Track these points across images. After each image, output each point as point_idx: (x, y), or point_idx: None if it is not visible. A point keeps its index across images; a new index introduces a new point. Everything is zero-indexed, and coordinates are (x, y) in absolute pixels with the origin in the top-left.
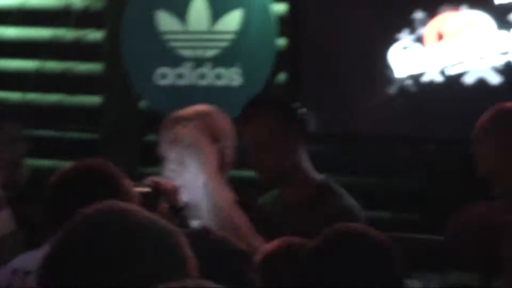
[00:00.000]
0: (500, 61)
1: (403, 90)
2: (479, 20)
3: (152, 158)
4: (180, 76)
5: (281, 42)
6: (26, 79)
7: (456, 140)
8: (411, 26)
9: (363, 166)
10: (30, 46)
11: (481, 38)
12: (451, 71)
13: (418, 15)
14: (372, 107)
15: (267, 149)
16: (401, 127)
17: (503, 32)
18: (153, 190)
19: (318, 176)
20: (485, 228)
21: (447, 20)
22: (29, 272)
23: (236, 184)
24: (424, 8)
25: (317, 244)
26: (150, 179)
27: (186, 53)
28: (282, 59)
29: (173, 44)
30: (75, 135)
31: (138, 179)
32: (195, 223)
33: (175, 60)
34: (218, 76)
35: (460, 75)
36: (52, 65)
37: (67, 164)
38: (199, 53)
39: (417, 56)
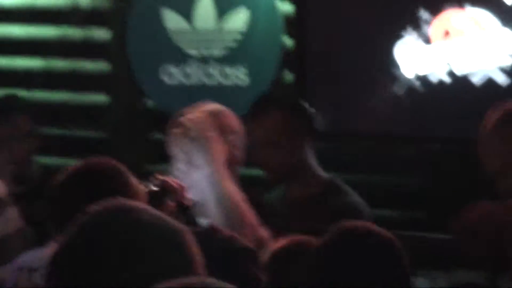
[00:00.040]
0: (507, 61)
1: (408, 89)
2: (484, 19)
3: (159, 157)
4: (186, 75)
5: (287, 41)
6: (33, 78)
7: (462, 140)
8: (416, 25)
9: (369, 164)
10: (38, 45)
11: (487, 36)
12: (458, 70)
13: (423, 13)
14: (378, 106)
15: (274, 147)
16: (406, 126)
17: (509, 31)
18: (160, 189)
19: (324, 174)
20: (491, 227)
21: (452, 18)
22: (35, 269)
23: (243, 182)
24: (429, 6)
25: (324, 242)
26: (157, 178)
27: (192, 51)
28: (288, 59)
29: (179, 42)
30: (81, 133)
31: (144, 177)
32: (203, 222)
33: (181, 59)
34: (225, 76)
35: (467, 74)
36: (59, 64)
37: (73, 163)
38: (205, 52)
39: (423, 55)
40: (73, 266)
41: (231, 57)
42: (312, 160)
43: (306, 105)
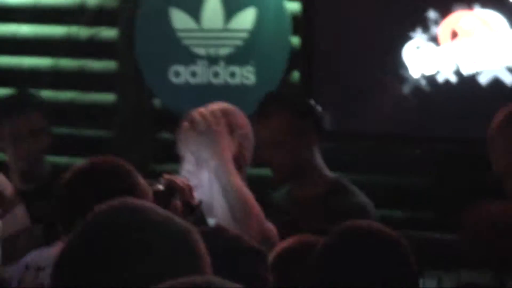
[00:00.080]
0: None
1: (416, 89)
2: (493, 20)
3: (166, 156)
4: (193, 74)
5: (295, 40)
6: (40, 77)
7: (469, 140)
8: (424, 25)
9: (375, 164)
10: (45, 44)
11: (495, 37)
12: (465, 71)
13: (431, 14)
14: (385, 105)
15: (281, 146)
16: (413, 126)
17: None
18: (167, 188)
19: (330, 174)
20: (499, 227)
21: (461, 18)
22: (42, 268)
23: (248, 182)
24: (437, 7)
25: (329, 241)
26: (165, 177)
27: (200, 51)
28: (296, 58)
29: (187, 42)
30: (88, 132)
31: (151, 177)
32: (210, 222)
33: (189, 58)
34: (232, 75)
35: (474, 74)
36: (66, 63)
37: (80, 162)
38: (212, 51)
39: (431, 55)
40: (80, 266)
41: (238, 56)
42: (319, 160)
43: (313, 104)
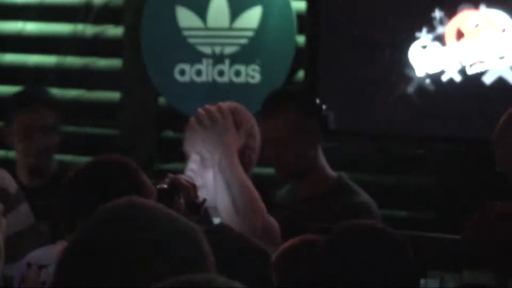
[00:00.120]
0: None
1: (421, 88)
2: (498, 19)
3: (171, 154)
4: (199, 72)
5: (300, 39)
6: (45, 75)
7: (474, 139)
8: (430, 24)
9: (380, 164)
10: (50, 42)
11: (501, 37)
12: (470, 71)
13: (437, 14)
14: (390, 105)
15: (286, 144)
16: (418, 125)
17: None
18: (171, 187)
19: (334, 173)
20: (502, 228)
21: (467, 19)
22: (45, 266)
23: (252, 180)
24: (443, 7)
25: (331, 240)
26: (169, 176)
27: (206, 49)
28: (301, 57)
29: (192, 40)
30: (93, 130)
31: (155, 175)
32: (215, 221)
33: (195, 57)
34: (237, 73)
35: (479, 74)
36: (72, 61)
37: (85, 160)
38: (218, 50)
39: (437, 55)
40: (85, 264)
41: (243, 55)
42: (322, 159)
43: (319, 103)
